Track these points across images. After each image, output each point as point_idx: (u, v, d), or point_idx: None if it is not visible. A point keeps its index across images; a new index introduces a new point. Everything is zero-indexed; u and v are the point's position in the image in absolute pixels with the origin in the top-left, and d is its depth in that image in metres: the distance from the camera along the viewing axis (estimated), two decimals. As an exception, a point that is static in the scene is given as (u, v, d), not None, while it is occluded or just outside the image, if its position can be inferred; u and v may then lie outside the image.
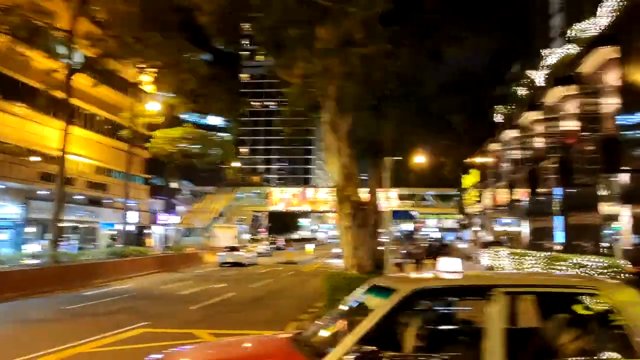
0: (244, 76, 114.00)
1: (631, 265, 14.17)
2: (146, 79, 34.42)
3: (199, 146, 41.73)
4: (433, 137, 48.23)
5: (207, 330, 12.42)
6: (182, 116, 44.54)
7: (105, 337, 11.69)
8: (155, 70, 31.40)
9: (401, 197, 69.05)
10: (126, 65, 31.29)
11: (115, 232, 37.15)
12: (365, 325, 3.95)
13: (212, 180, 73.72)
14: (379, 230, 26.13)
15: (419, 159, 53.16)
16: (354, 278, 11.77)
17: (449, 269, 4.47)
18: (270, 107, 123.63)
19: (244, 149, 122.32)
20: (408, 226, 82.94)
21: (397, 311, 4.18)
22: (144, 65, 31.01)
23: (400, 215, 25.41)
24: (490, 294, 4.00)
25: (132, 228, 44.40)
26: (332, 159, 13.53)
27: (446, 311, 5.08)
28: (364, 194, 19.59)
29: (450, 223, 77.65)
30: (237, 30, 16.16)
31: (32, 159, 32.29)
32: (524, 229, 33.58)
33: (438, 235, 79.33)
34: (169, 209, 67.60)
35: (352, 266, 13.26)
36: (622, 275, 13.63)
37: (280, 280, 28.00)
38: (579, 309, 4.31)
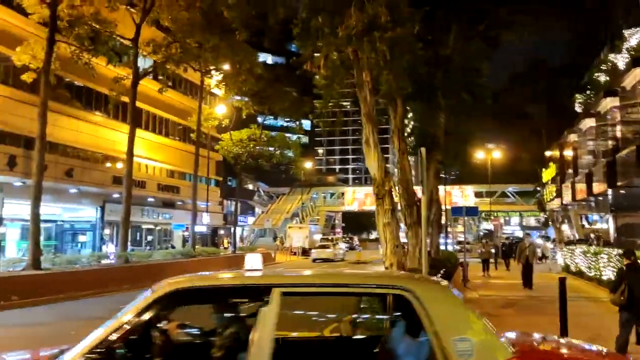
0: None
1: None
2: (212, 82, 35.18)
3: (266, 148, 42.08)
4: (506, 129, 46.08)
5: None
6: (258, 119, 45.25)
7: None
8: (218, 72, 32.00)
9: (477, 195, 66.69)
10: (193, 69, 31.99)
11: (188, 234, 38.18)
12: (102, 332, 3.52)
13: (287, 181, 74.61)
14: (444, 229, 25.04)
15: (495, 154, 51.11)
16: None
17: (250, 265, 3.94)
18: (347, 107, 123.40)
19: (319, 149, 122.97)
20: (489, 225, 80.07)
21: (145, 314, 3.65)
22: (208, 69, 31.64)
23: (461, 212, 23.90)
24: (262, 295, 3.52)
25: (204, 229, 45.64)
26: (370, 153, 12.94)
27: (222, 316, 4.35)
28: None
29: (533, 221, 74.05)
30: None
31: (107, 164, 33.78)
32: (611, 225, 31.19)
33: (520, 234, 75.89)
34: (245, 210, 69.18)
35: (391, 265, 12.61)
36: None
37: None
38: (380, 310, 3.83)
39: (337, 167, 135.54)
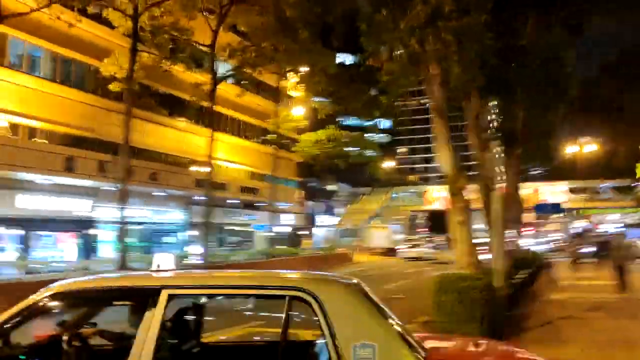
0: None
1: None
2: (288, 84, 35.61)
3: (343, 148, 42.04)
4: (599, 122, 43.30)
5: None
6: (339, 119, 45.46)
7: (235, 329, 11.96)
8: (293, 74, 32.32)
9: (572, 191, 63.17)
10: (268, 72, 32.53)
11: (270, 234, 38.89)
12: None
13: (368, 181, 74.21)
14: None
15: (588, 148, 48.18)
16: (465, 278, 10.64)
17: (158, 265, 3.62)
18: (428, 104, 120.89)
19: (401, 148, 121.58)
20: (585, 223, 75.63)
21: (26, 317, 3.44)
22: (283, 71, 32.03)
23: (546, 209, 22.55)
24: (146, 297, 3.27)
25: (285, 230, 46.24)
26: (442, 149, 12.46)
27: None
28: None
29: (637, 218, 69.04)
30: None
31: (191, 168, 34.95)
32: None
33: (621, 231, 70.97)
34: (327, 210, 69.47)
35: (467, 265, 12.06)
36: None
37: (420, 281, 26.92)
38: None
39: (420, 165, 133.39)
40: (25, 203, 25.16)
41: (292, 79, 33.83)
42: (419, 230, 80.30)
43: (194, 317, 4.39)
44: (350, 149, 44.05)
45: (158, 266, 3.82)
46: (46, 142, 26.33)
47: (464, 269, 12.15)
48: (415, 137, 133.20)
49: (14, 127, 25.47)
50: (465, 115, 15.57)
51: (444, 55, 11.31)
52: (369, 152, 47.23)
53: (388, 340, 3.23)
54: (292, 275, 4.01)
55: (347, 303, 3.35)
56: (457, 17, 9.67)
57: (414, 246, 47.56)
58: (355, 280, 3.94)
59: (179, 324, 4.14)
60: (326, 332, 3.16)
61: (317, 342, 3.50)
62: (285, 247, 38.84)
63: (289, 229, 49.28)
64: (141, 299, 3.43)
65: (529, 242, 43.29)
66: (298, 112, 37.83)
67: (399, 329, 3.47)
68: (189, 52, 26.20)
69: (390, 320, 3.58)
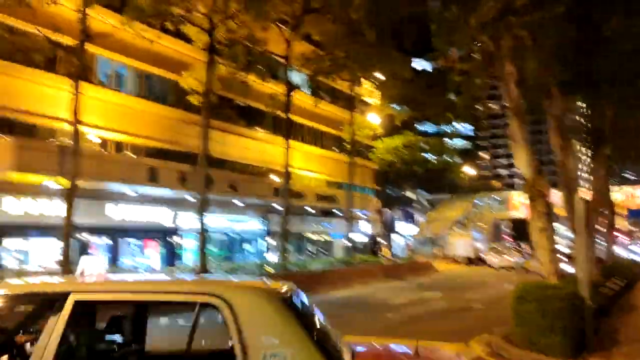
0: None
1: None
2: (363, 91, 35.46)
3: (421, 154, 41.24)
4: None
5: (389, 339, 11.80)
6: (415, 125, 44.84)
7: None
8: (367, 81, 32.16)
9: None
10: (342, 79, 32.56)
11: (348, 243, 38.70)
12: None
13: (448, 188, 72.39)
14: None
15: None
16: (546, 287, 9.99)
17: (82, 269, 3.36)
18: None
19: (483, 153, 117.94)
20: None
21: None
22: (357, 78, 31.93)
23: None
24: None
25: (362, 238, 45.90)
26: (520, 151, 11.81)
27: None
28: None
29: None
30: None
31: (269, 177, 35.54)
32: None
33: None
34: (406, 218, 68.43)
35: (552, 274, 11.33)
36: None
37: (503, 291, 25.75)
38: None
39: (504, 171, 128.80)
40: (114, 212, 26.48)
41: (366, 85, 33.65)
42: (503, 238, 77.37)
43: (126, 324, 4.23)
44: (428, 155, 43.17)
45: (83, 270, 3.82)
46: (132, 154, 27.61)
47: (548, 278, 11.44)
48: (498, 141, 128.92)
49: (102, 141, 26.94)
50: (546, 114, 14.76)
51: (518, 51, 10.73)
52: (448, 158, 46.06)
53: (302, 350, 3.12)
54: (205, 281, 4.02)
55: (262, 311, 3.23)
56: (530, 11, 9.13)
57: (502, 255, 47.03)
58: (284, 288, 3.77)
59: (105, 331, 4.08)
60: (236, 340, 3.08)
61: (227, 351, 3.31)
62: (363, 255, 38.52)
63: (367, 237, 48.93)
64: (48, 304, 3.36)
65: (624, 250, 40.58)
66: (373, 119, 37.55)
67: (329, 338, 3.42)
68: (264, 62, 26.60)
69: (320, 331, 3.49)
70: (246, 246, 37.12)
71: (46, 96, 23.06)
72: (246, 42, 25.49)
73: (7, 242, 23.08)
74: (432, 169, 44.94)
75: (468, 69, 11.56)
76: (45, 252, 23.11)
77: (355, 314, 17.48)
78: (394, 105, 38.05)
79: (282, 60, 28.44)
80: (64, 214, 23.31)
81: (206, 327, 3.73)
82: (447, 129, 43.06)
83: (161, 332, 4.09)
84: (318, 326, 3.62)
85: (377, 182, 51.20)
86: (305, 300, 3.99)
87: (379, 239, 51.21)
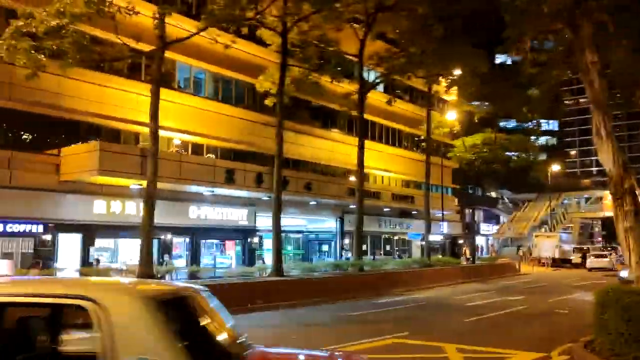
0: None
1: None
2: (439, 88, 34.60)
3: (502, 152, 39.61)
4: None
5: (458, 345, 11.36)
6: (496, 121, 43.25)
7: (353, 345, 11.74)
8: (443, 78, 31.34)
9: None
10: (418, 77, 31.91)
11: (426, 243, 37.90)
12: None
13: (534, 187, 69.38)
14: None
15: None
16: (632, 293, 9.20)
17: None
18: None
19: (571, 150, 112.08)
20: None
21: None
22: (432, 75, 31.20)
23: None
24: None
25: (442, 238, 44.83)
26: (603, 145, 10.98)
27: None
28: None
29: None
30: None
31: (343, 177, 35.45)
32: None
33: None
34: (488, 218, 66.29)
35: (637, 278, 10.45)
36: None
37: (591, 295, 24.20)
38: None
39: (594, 169, 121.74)
40: (194, 213, 27.35)
41: (442, 82, 32.79)
42: (593, 238, 73.18)
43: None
44: (510, 153, 41.42)
45: None
46: (211, 156, 28.43)
47: (638, 283, 10.57)
48: (587, 137, 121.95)
49: (183, 144, 27.93)
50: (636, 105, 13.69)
51: (601, 39, 9.96)
52: (531, 156, 43.98)
53: (167, 356, 3.09)
54: (77, 282, 3.90)
55: (132, 314, 3.14)
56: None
57: (592, 256, 45.49)
58: (164, 290, 3.73)
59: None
60: (100, 342, 3.02)
61: (94, 353, 3.18)
62: (441, 256, 37.63)
63: (446, 238, 47.78)
64: None
65: None
66: (451, 117, 36.57)
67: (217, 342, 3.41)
68: (337, 62, 26.51)
69: (206, 335, 3.49)
70: (323, 246, 37.26)
71: (129, 102, 24.22)
72: (319, 42, 25.55)
73: (98, 241, 24.40)
74: (514, 167, 43.01)
75: (544, 60, 10.86)
76: (132, 251, 24.20)
77: (430, 317, 17.03)
78: (473, 102, 36.87)
79: (355, 59, 28.24)
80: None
81: (76, 329, 3.70)
82: (530, 125, 40.96)
83: (32, 334, 3.97)
84: (209, 329, 3.66)
85: (456, 181, 49.87)
86: (206, 302, 3.96)
87: (459, 240, 49.87)
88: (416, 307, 19.82)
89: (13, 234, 21.88)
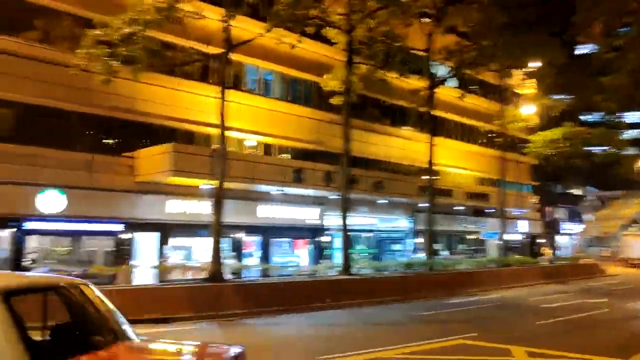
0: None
1: None
2: (513, 81, 33.27)
3: (583, 147, 37.42)
4: None
5: (528, 348, 10.78)
6: (577, 114, 41.13)
7: (420, 345, 11.45)
8: (518, 70, 30.11)
9: None
10: (490, 70, 30.82)
11: (503, 242, 36.52)
12: None
13: (623, 183, 65.29)
14: None
15: None
16: None
17: None
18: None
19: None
20: None
21: None
22: (505, 67, 30.03)
23: None
24: None
25: (520, 237, 43.13)
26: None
27: None
28: None
29: None
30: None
31: (414, 175, 34.77)
32: None
33: None
34: (572, 216, 63.02)
35: None
36: None
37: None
38: None
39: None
40: (264, 212, 27.75)
41: (516, 75, 31.50)
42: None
43: None
44: (594, 148, 39.10)
45: None
46: (286, 156, 28.77)
47: None
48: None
49: (254, 145, 28.39)
50: None
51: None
52: (619, 150, 41.28)
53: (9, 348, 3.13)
54: None
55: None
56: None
57: None
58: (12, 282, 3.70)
59: None
60: None
61: None
62: (519, 255, 36.14)
63: (525, 237, 45.90)
64: None
65: None
66: (527, 110, 35.00)
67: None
68: (404, 58, 25.94)
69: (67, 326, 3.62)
70: (394, 245, 36.75)
71: (200, 104, 24.86)
72: (385, 39, 25.17)
73: (173, 240, 25.25)
74: (599, 162, 40.54)
75: (620, 44, 10.06)
76: (205, 249, 24.87)
77: (503, 318, 16.37)
78: (551, 95, 35.15)
79: (424, 54, 27.64)
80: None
81: None
82: (613, 118, 38.30)
83: None
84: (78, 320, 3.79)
85: (535, 178, 47.80)
86: (83, 294, 4.08)
87: (538, 239, 47.75)
88: (489, 307, 19.10)
89: (94, 233, 23.10)
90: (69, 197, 21.49)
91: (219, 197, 19.61)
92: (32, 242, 22.03)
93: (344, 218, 23.47)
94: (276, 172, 25.77)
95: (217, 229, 19.37)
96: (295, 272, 26.50)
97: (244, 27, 22.14)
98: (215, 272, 18.92)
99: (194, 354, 4.88)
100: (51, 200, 21.16)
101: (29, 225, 20.94)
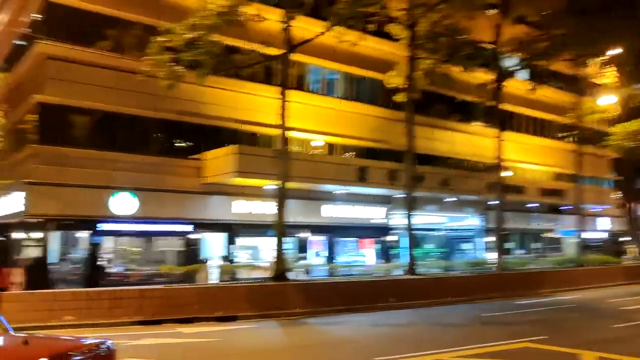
0: None
1: None
2: (589, 71, 31.53)
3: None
4: None
5: (601, 354, 10.09)
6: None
7: (481, 347, 10.99)
8: (594, 59, 28.48)
9: None
10: (563, 60, 29.31)
11: (582, 241, 34.65)
12: None
13: None
14: None
15: None
16: None
17: None
18: None
19: None
20: None
21: None
22: (580, 57, 28.47)
23: None
24: None
25: (599, 236, 40.89)
26: None
27: None
28: None
29: None
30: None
31: (483, 172, 33.66)
32: None
33: None
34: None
35: None
36: None
37: None
38: None
39: None
40: (329, 212, 27.74)
41: (593, 64, 29.80)
42: None
43: None
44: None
45: None
46: (350, 154, 28.60)
47: None
48: None
49: (318, 145, 28.43)
50: None
51: None
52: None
53: None
54: None
55: None
56: None
57: None
58: None
59: None
60: None
61: None
62: (599, 254, 34.21)
63: (606, 235, 43.43)
64: None
65: None
66: (606, 101, 33.02)
67: None
68: (470, 52, 25.05)
69: None
70: (465, 244, 35.77)
71: (263, 106, 25.09)
72: (449, 32, 24.47)
73: (239, 240, 25.74)
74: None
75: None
76: (271, 248, 25.16)
77: (575, 320, 15.51)
78: (634, 85, 32.98)
79: (491, 47, 26.68)
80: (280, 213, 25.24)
81: None
82: None
83: None
84: None
85: (617, 172, 45.12)
86: None
87: (622, 237, 45.01)
88: (562, 309, 18.15)
89: (165, 234, 23.91)
90: (140, 199, 22.37)
91: (281, 198, 19.74)
92: (107, 243, 23.13)
93: (409, 217, 23.04)
94: (340, 172, 25.70)
95: (280, 229, 19.50)
96: (360, 271, 26.34)
97: (305, 26, 22.16)
98: (279, 271, 19.07)
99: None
100: (123, 202, 22.10)
101: (103, 226, 21.95)
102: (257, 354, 11.09)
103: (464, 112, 34.08)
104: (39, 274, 20.25)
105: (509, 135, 29.90)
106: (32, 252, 21.05)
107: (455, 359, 9.98)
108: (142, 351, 10.98)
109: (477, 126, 34.44)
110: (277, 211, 19.69)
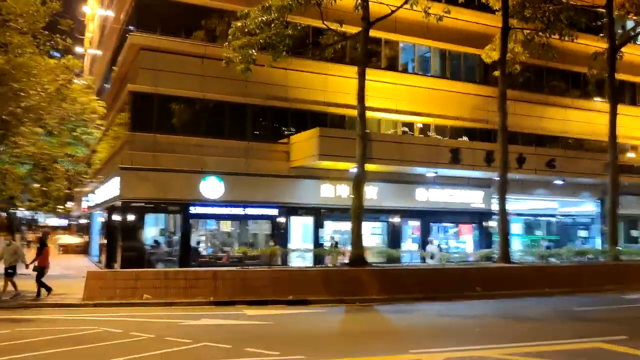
0: None
1: None
2: None
3: None
4: None
5: None
6: None
7: (543, 345, 9.78)
8: None
9: None
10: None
11: None
12: None
13: None
14: None
15: None
16: None
17: None
18: None
19: None
20: None
21: None
22: None
23: None
24: None
25: None
26: None
27: None
28: None
29: None
30: None
31: (598, 152, 30.45)
32: None
33: None
34: None
35: None
36: None
37: None
38: None
39: None
40: (423, 196, 26.59)
41: None
42: None
43: None
44: None
45: None
46: (436, 136, 27.19)
47: None
48: None
49: (409, 125, 27.33)
50: None
51: None
52: None
53: None
54: None
55: None
56: None
57: None
58: None
59: None
60: None
61: None
62: None
63: None
64: None
65: None
66: None
67: None
68: (565, 16, 22.28)
69: None
70: (580, 231, 32.74)
71: (348, 87, 24.32)
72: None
73: (327, 224, 25.54)
74: None
75: None
76: (366, 233, 24.56)
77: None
78: None
79: (603, 10, 23.88)
80: (374, 197, 24.67)
81: None
82: None
83: None
84: None
85: None
86: None
87: None
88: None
89: (253, 217, 24.34)
90: (229, 183, 22.90)
91: (358, 180, 19.18)
92: (199, 225, 24.05)
93: (502, 200, 21.38)
94: (430, 153, 24.43)
95: (357, 213, 18.95)
96: (456, 258, 24.97)
97: (387, 2, 21.13)
98: (357, 256, 18.58)
99: None
100: (212, 186, 22.77)
101: (194, 210, 22.81)
102: (292, 339, 10.71)
103: (576, 86, 31.04)
104: (135, 255, 21.56)
105: (629, 109, 26.71)
106: (129, 235, 22.28)
107: (502, 356, 8.93)
108: (175, 331, 11.10)
109: (591, 101, 31.24)
110: (353, 194, 19.16)
